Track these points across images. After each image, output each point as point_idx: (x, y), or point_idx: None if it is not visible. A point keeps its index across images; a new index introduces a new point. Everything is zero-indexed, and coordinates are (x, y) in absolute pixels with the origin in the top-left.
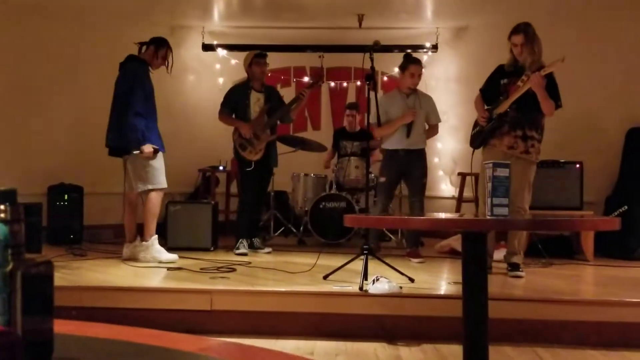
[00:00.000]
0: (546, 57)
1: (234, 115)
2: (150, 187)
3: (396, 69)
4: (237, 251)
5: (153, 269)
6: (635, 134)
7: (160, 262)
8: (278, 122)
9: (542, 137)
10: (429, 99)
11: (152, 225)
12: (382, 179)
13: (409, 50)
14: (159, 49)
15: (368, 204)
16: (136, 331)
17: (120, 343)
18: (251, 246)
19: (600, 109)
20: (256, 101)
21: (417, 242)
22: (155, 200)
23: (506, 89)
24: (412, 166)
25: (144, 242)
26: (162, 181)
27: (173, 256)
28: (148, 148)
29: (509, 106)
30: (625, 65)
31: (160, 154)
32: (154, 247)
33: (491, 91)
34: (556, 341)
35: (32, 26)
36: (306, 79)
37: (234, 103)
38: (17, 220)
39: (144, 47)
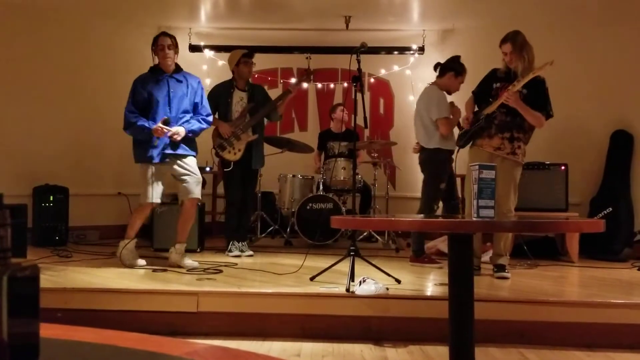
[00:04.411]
0: (536, 62)
1: (216, 115)
2: (140, 201)
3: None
4: (231, 254)
5: (139, 270)
6: (620, 136)
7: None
8: (265, 122)
9: (528, 140)
10: None
11: (128, 229)
12: (443, 185)
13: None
14: (153, 49)
15: (355, 205)
16: (122, 335)
17: (106, 347)
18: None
19: (585, 112)
20: (239, 100)
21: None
22: (136, 210)
23: (497, 93)
24: (451, 166)
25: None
26: (144, 195)
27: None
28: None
29: (498, 109)
30: (611, 67)
31: (149, 167)
32: (124, 252)
33: (483, 94)
34: (542, 342)
35: (18, 27)
36: (293, 80)
37: (215, 102)
38: (3, 225)
39: None
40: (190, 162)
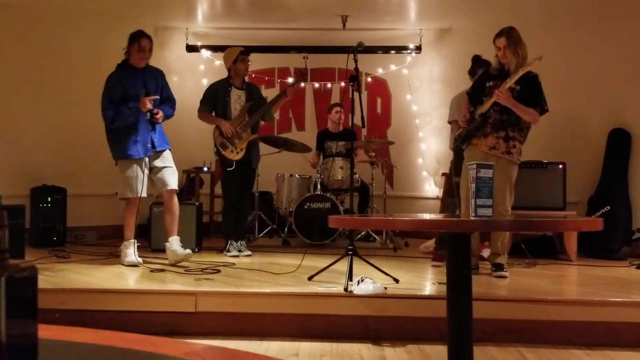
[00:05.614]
0: (528, 59)
1: (213, 113)
2: (121, 197)
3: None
4: (229, 254)
5: (136, 270)
6: (617, 134)
7: (123, 264)
8: (261, 122)
9: (525, 138)
10: None
11: (125, 231)
12: (457, 179)
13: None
14: (130, 45)
15: (352, 205)
16: (120, 335)
17: (104, 348)
18: None
19: (582, 110)
20: (237, 98)
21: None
22: (125, 210)
23: (491, 92)
24: None
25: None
26: (127, 192)
27: (135, 259)
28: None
29: (491, 108)
30: (608, 66)
31: (132, 163)
32: (125, 251)
33: (477, 94)
34: (540, 341)
35: (12, 26)
36: (290, 79)
37: (213, 100)
38: (1, 226)
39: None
40: (167, 155)
